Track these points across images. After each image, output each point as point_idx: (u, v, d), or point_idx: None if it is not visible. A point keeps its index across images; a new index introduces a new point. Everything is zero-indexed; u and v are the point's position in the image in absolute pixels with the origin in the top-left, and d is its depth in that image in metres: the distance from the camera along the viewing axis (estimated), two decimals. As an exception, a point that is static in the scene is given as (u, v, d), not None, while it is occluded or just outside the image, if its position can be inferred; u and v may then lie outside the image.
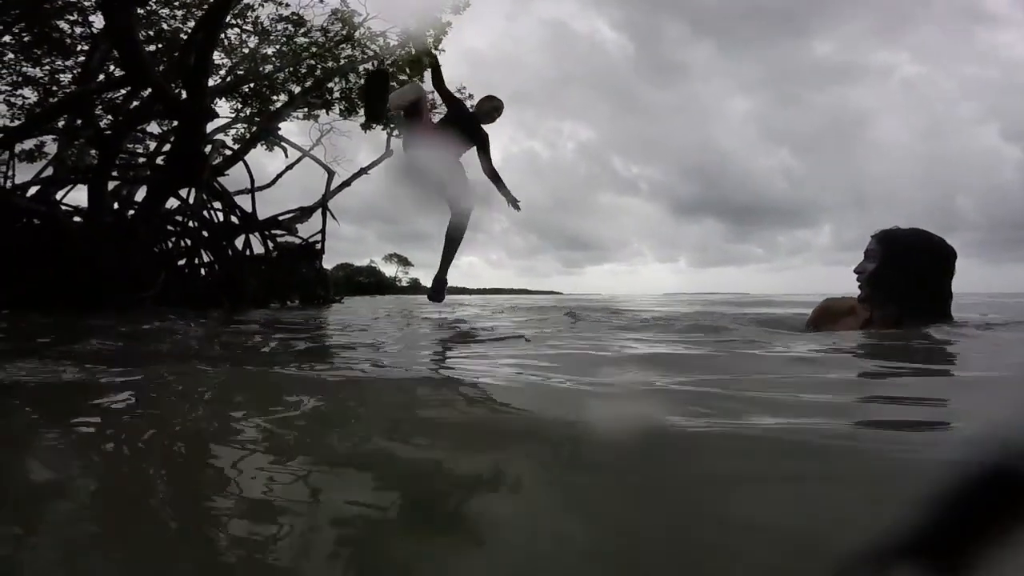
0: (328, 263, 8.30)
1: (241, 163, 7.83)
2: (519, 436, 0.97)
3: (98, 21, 10.29)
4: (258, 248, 7.24)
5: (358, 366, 1.83)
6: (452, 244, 4.81)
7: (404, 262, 70.32)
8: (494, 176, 4.94)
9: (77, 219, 6.42)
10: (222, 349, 2.58)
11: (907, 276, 2.12)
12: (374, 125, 10.39)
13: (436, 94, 5.03)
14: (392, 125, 10.34)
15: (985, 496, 0.33)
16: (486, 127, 4.89)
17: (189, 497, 0.79)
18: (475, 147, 4.83)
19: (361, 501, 0.73)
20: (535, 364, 1.72)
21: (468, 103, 11.32)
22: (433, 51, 5.44)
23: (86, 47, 10.12)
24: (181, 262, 6.65)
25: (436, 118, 5.21)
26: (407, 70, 10.16)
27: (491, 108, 4.80)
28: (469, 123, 4.75)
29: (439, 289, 4.86)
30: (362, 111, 10.39)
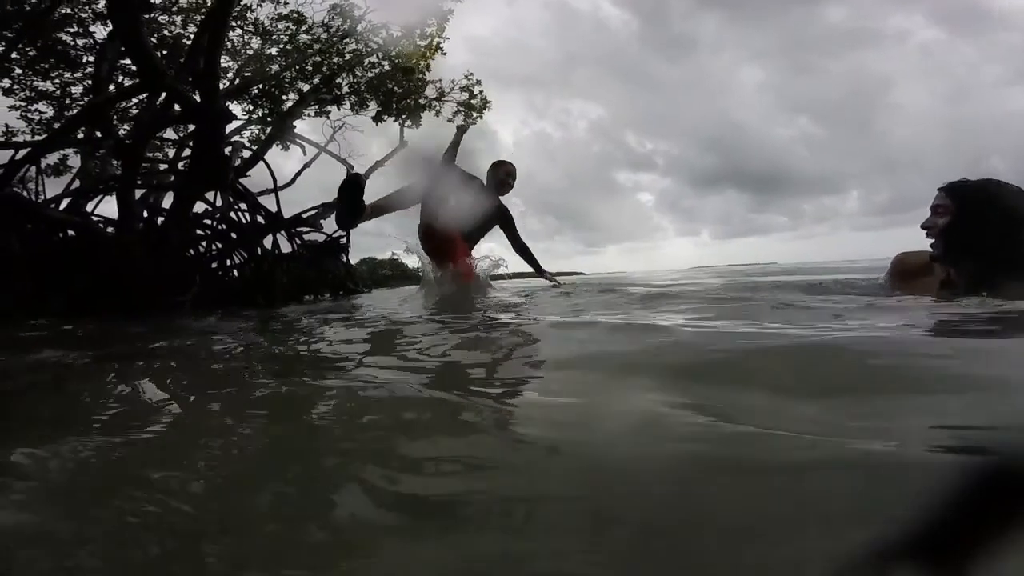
0: (352, 257, 8.40)
1: (262, 163, 7.92)
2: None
3: (99, 32, 10.40)
4: (286, 246, 7.34)
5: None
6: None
7: (424, 252, 70.39)
8: (524, 252, 4.65)
9: (109, 229, 6.54)
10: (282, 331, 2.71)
11: (985, 229, 1.98)
12: (383, 119, 10.45)
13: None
14: (404, 116, 10.40)
15: (985, 496, 0.33)
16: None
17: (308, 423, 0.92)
18: (498, 225, 4.56)
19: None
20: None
21: (476, 88, 11.32)
22: (463, 124, 4.97)
23: (92, 58, 10.21)
24: (214, 264, 6.77)
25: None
26: (402, 75, 10.06)
27: (504, 175, 4.48)
28: (486, 198, 4.43)
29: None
30: (372, 104, 10.44)
